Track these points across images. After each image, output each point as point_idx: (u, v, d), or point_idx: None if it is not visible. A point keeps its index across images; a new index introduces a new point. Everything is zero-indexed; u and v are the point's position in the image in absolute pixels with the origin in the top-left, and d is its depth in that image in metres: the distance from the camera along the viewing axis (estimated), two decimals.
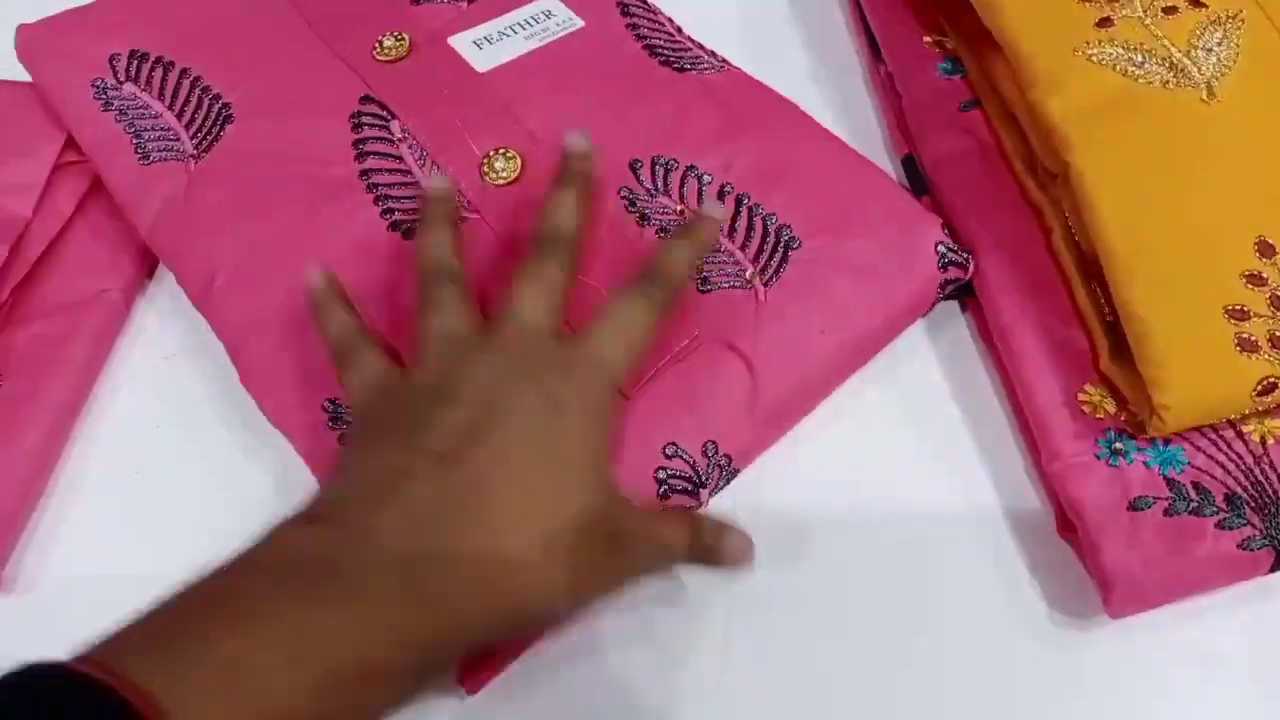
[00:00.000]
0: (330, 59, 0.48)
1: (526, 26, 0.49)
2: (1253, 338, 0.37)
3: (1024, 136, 0.44)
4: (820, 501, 0.42)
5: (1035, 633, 0.40)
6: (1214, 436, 0.40)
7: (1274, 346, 0.37)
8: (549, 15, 0.50)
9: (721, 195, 0.44)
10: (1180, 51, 0.42)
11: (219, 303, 0.43)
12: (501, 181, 0.44)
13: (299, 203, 0.44)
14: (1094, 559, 0.38)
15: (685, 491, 0.39)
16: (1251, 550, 0.37)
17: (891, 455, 0.43)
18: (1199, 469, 0.39)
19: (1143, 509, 0.38)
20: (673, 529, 0.34)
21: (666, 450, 0.39)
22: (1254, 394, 0.37)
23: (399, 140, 0.45)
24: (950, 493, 0.42)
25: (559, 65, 0.48)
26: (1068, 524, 0.40)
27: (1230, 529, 0.38)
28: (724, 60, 0.49)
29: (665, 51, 0.49)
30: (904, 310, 0.43)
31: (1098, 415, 0.40)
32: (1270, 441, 0.39)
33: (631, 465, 0.38)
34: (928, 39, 0.50)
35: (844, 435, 0.43)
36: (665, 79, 0.47)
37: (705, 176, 0.44)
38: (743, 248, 0.42)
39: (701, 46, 0.50)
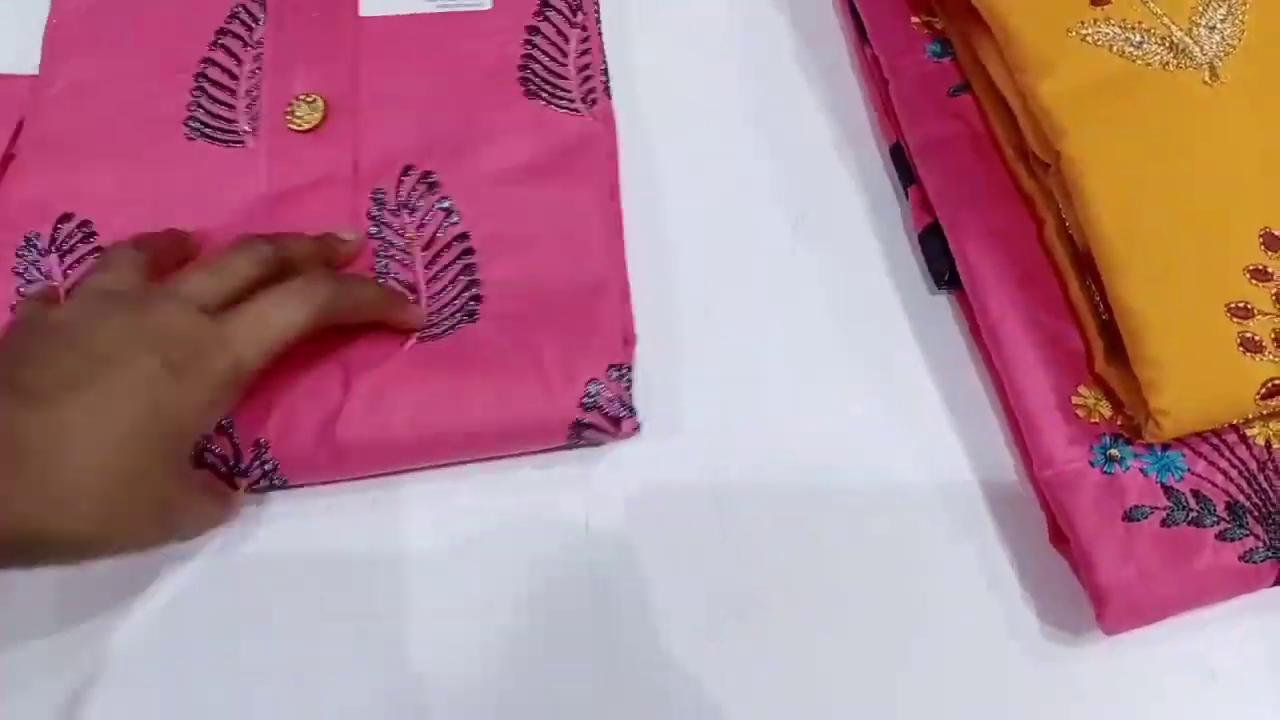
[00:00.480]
0: None
1: None
2: (1256, 337, 0.35)
3: (1015, 122, 0.42)
4: (804, 505, 0.40)
5: (1028, 648, 0.38)
6: (1215, 441, 0.37)
7: None
8: None
9: (450, 243, 0.43)
10: (1181, 30, 0.40)
11: None
12: (296, 127, 0.44)
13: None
14: (1087, 573, 0.36)
15: (220, 472, 0.38)
16: (1254, 563, 0.35)
17: (876, 459, 0.41)
18: (1199, 476, 0.37)
19: (1139, 519, 0.36)
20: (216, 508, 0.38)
21: (223, 423, 0.38)
22: (1258, 397, 0.35)
23: (253, 45, 0.46)
24: (939, 500, 0.40)
25: (430, 39, 0.47)
26: (1061, 534, 0.38)
27: (1232, 540, 0.35)
28: (594, 105, 0.46)
29: (537, 71, 0.47)
30: (529, 429, 0.39)
31: (1092, 419, 0.38)
32: (1276, 445, 0.37)
33: None
34: (916, 19, 0.47)
35: (828, 435, 0.41)
36: (509, 98, 0.46)
37: (454, 216, 0.43)
38: (432, 296, 0.42)
39: (590, 80, 0.47)
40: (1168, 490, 0.36)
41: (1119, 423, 0.38)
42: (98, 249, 0.43)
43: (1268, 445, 0.37)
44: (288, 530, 0.40)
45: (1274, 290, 0.36)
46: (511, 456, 0.40)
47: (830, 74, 0.50)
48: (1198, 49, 0.39)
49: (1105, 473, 0.37)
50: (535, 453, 0.40)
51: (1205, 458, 0.37)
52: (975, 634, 0.38)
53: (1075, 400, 0.38)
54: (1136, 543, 0.36)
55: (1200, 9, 0.40)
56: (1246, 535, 0.35)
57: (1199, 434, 0.37)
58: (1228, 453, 0.37)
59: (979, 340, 0.42)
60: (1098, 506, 0.36)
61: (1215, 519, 0.36)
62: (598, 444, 0.41)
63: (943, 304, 0.44)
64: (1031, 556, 0.39)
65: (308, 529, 0.39)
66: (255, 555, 0.39)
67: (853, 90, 0.50)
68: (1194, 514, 0.36)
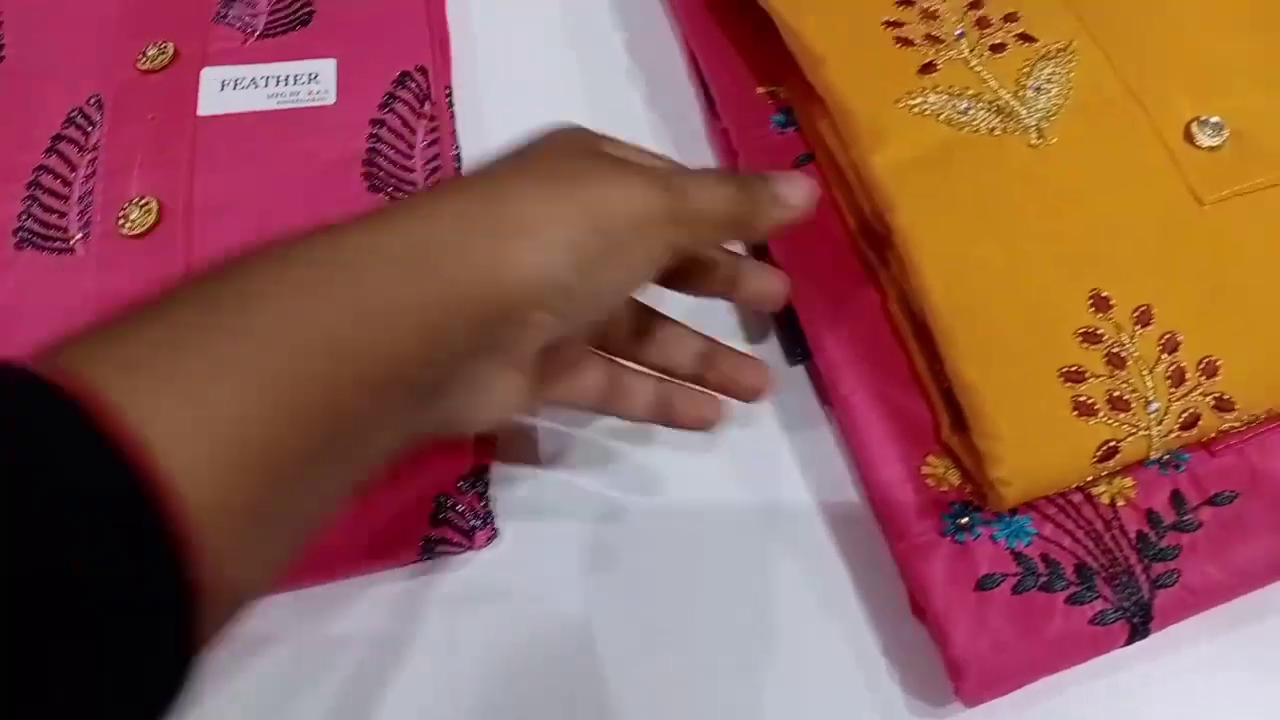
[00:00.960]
0: (105, 46, 0.48)
1: (278, 84, 0.47)
2: (1090, 400, 0.35)
3: (855, 195, 0.42)
4: (655, 581, 0.40)
5: None
6: (1062, 502, 0.37)
7: (1114, 408, 0.35)
8: (312, 79, 0.48)
9: None
10: (1009, 93, 0.40)
11: None
12: (127, 232, 0.43)
13: None
14: (942, 645, 0.36)
15: None
16: (1105, 625, 0.35)
17: (733, 533, 0.41)
18: (1047, 539, 0.37)
19: (989, 588, 0.36)
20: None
21: None
22: (1094, 460, 0.35)
23: (89, 149, 0.46)
24: (800, 571, 0.40)
25: (270, 136, 0.46)
26: (919, 605, 0.37)
27: (1081, 604, 0.36)
28: None
29: (381, 165, 0.46)
30: (379, 549, 0.39)
31: (942, 488, 0.38)
32: (1121, 504, 0.37)
33: None
34: (761, 89, 0.48)
35: (679, 507, 0.41)
36: (352, 193, 0.45)
37: None
38: None
39: (440, 170, 0.46)
40: (1017, 556, 0.37)
41: (968, 490, 0.38)
42: None
43: (1113, 504, 0.37)
44: None
45: (1105, 351, 0.36)
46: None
47: (687, 148, 0.50)
48: (1024, 111, 0.40)
49: (957, 541, 0.37)
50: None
51: (1052, 520, 0.37)
52: (842, 709, 0.38)
53: (924, 470, 0.38)
54: (989, 612, 0.36)
55: (1027, 70, 0.41)
56: (1096, 598, 0.36)
57: (1046, 496, 0.37)
58: (1074, 513, 0.37)
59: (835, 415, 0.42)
60: (950, 577, 0.36)
61: (1065, 582, 0.36)
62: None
63: (799, 373, 0.44)
64: (894, 629, 0.39)
65: None
66: None
67: (709, 163, 0.50)
68: (1044, 579, 0.36)
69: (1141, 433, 0.35)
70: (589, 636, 0.39)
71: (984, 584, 0.36)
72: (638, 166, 0.31)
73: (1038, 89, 0.41)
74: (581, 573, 0.40)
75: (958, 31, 0.42)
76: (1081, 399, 0.35)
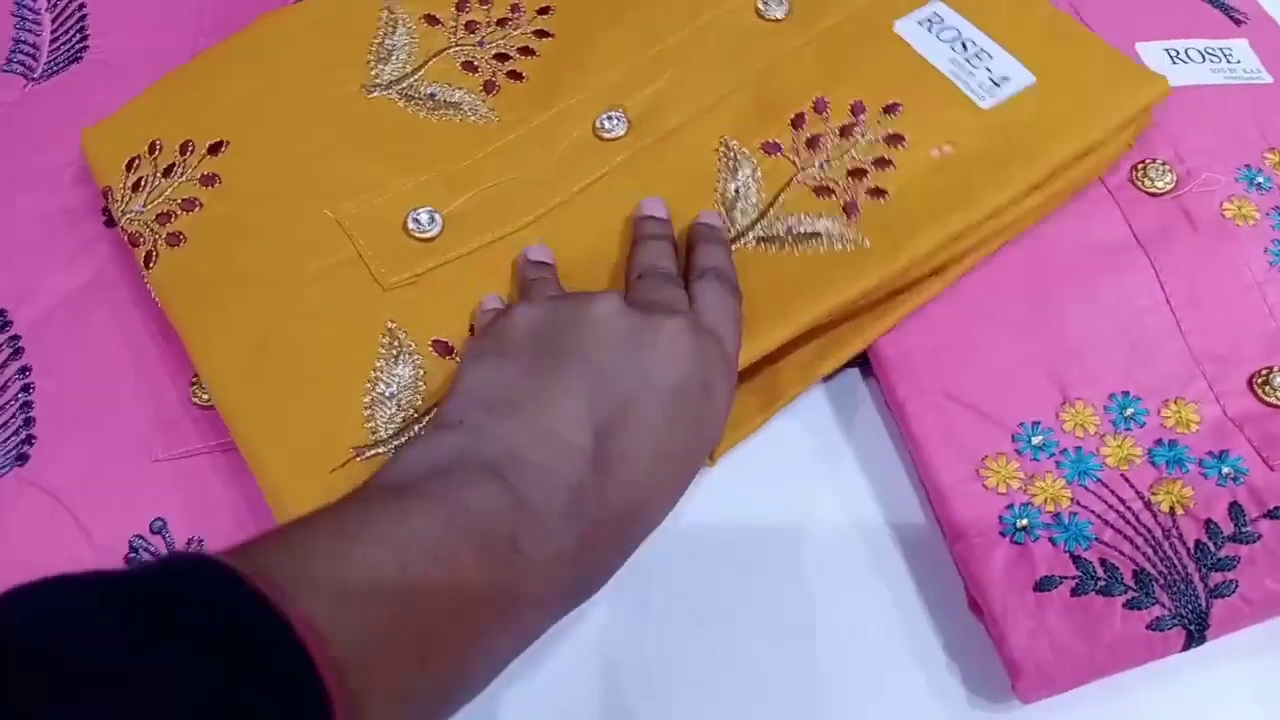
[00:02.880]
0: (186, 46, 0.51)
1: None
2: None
3: None
4: (715, 573, 0.40)
5: (952, 713, 0.38)
6: (1122, 509, 0.38)
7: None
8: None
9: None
10: None
11: None
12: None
13: None
14: (1000, 644, 0.36)
15: None
16: (1162, 631, 0.36)
17: (796, 531, 0.41)
18: (1106, 544, 0.37)
19: (1049, 589, 0.36)
20: None
21: None
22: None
23: None
24: (866, 565, 0.40)
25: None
26: (976, 602, 0.38)
27: (1139, 609, 0.36)
28: None
29: None
30: None
31: (1000, 490, 0.38)
32: (1180, 513, 0.38)
33: None
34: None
35: (740, 501, 0.42)
36: None
37: None
38: None
39: None
40: (1076, 560, 0.37)
41: (1027, 492, 0.38)
42: (14, 337, 0.43)
43: (1171, 512, 0.38)
44: None
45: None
46: None
47: None
48: None
49: (1015, 542, 0.37)
50: None
51: (1112, 526, 0.38)
52: (902, 703, 0.38)
53: (983, 472, 0.39)
54: (1047, 613, 0.36)
55: None
56: (1153, 604, 0.36)
57: (1106, 502, 0.38)
58: (1133, 520, 0.38)
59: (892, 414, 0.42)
60: (1008, 577, 0.37)
61: (1123, 587, 0.36)
62: None
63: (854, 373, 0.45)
64: (956, 625, 0.39)
65: None
66: None
67: None
68: (1102, 583, 0.36)
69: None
70: (643, 629, 0.39)
71: (1042, 585, 0.37)
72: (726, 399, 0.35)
73: None
74: (645, 560, 0.40)
75: None
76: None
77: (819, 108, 0.43)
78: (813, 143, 0.42)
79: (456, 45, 0.47)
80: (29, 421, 0.41)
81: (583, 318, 0.34)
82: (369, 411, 0.38)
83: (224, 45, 0.47)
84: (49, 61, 0.51)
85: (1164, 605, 0.36)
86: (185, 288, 0.41)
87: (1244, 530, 0.37)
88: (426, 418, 0.38)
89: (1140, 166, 0.45)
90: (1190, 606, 0.36)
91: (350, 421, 0.38)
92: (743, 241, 0.41)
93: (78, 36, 0.51)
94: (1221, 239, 0.43)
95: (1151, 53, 0.48)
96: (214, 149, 0.43)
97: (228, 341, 0.40)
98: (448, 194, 0.43)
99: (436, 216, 0.42)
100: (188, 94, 0.46)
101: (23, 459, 0.40)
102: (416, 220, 0.42)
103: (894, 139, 0.42)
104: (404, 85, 0.46)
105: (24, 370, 0.43)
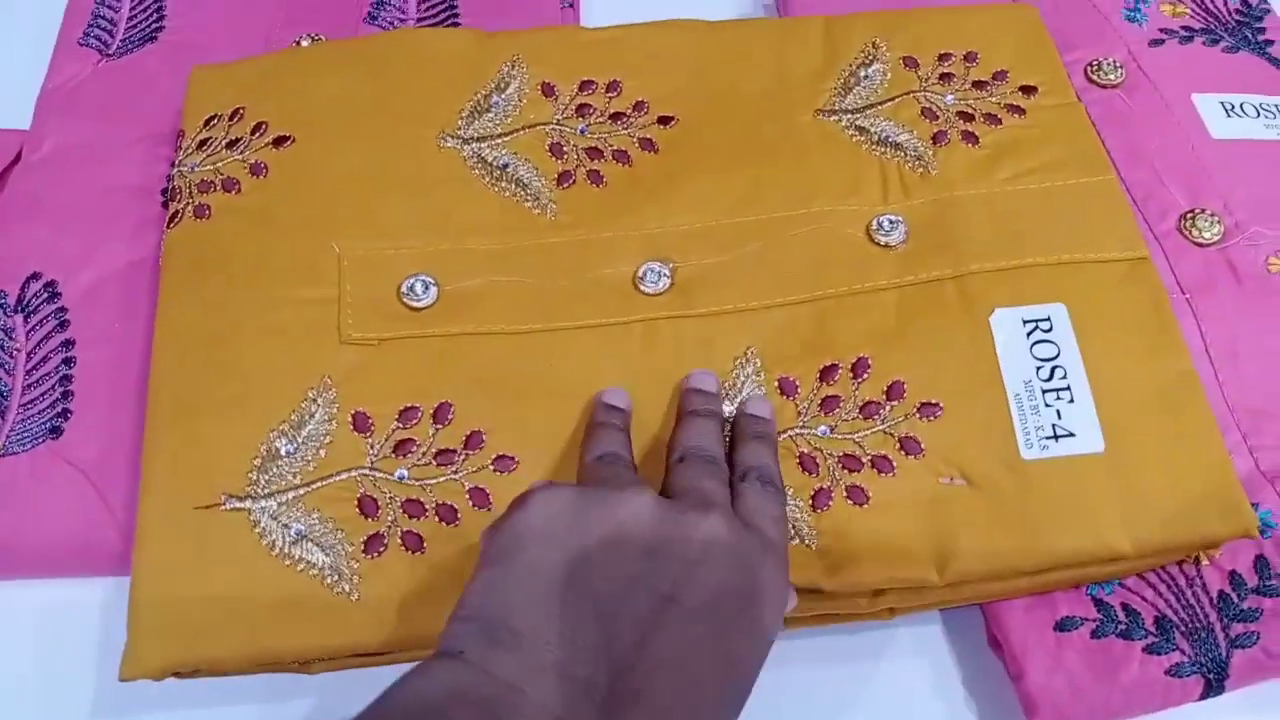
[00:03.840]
0: (260, 31, 0.52)
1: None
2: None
3: None
4: None
5: None
6: None
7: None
8: None
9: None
10: None
11: None
12: None
13: None
14: (1017, 680, 0.36)
15: None
16: (1181, 678, 0.36)
17: None
18: (1129, 589, 0.38)
19: (1069, 630, 0.37)
20: None
21: None
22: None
23: None
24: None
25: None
26: (997, 640, 0.38)
27: (1159, 654, 0.36)
28: None
29: None
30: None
31: None
32: (1204, 562, 0.38)
33: None
34: None
35: None
36: None
37: None
38: None
39: None
40: (1098, 603, 0.37)
41: None
42: (61, 309, 0.44)
43: (1196, 561, 0.38)
44: None
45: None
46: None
47: None
48: None
49: None
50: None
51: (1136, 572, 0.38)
52: None
53: None
54: (1066, 653, 0.36)
55: None
56: (1173, 650, 0.36)
57: None
58: (1159, 567, 0.38)
59: None
60: (1029, 615, 0.37)
61: (1144, 632, 0.37)
62: None
63: None
64: (974, 657, 0.40)
65: None
66: None
67: None
68: (1123, 626, 0.37)
69: None
70: None
71: (1063, 626, 0.37)
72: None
73: None
74: None
75: None
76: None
77: (857, 369, 0.39)
78: (829, 404, 0.38)
79: (556, 124, 0.45)
80: (66, 395, 0.42)
81: (608, 521, 0.31)
82: (258, 463, 0.37)
83: (351, 43, 0.48)
84: (124, 39, 0.52)
85: (1184, 652, 0.36)
86: (186, 260, 0.41)
87: (1268, 583, 0.37)
88: (305, 489, 0.36)
89: (1189, 216, 0.45)
90: (1210, 655, 0.36)
91: (237, 464, 0.37)
92: None
93: (155, 17, 0.53)
94: (1265, 293, 0.43)
95: (1208, 105, 0.48)
96: (279, 141, 0.44)
97: (189, 327, 0.40)
98: (459, 270, 0.41)
99: (433, 290, 0.40)
100: (291, 75, 0.46)
101: (56, 432, 0.41)
102: (412, 288, 0.40)
103: (910, 443, 0.37)
104: (482, 145, 0.44)
105: (67, 344, 0.43)
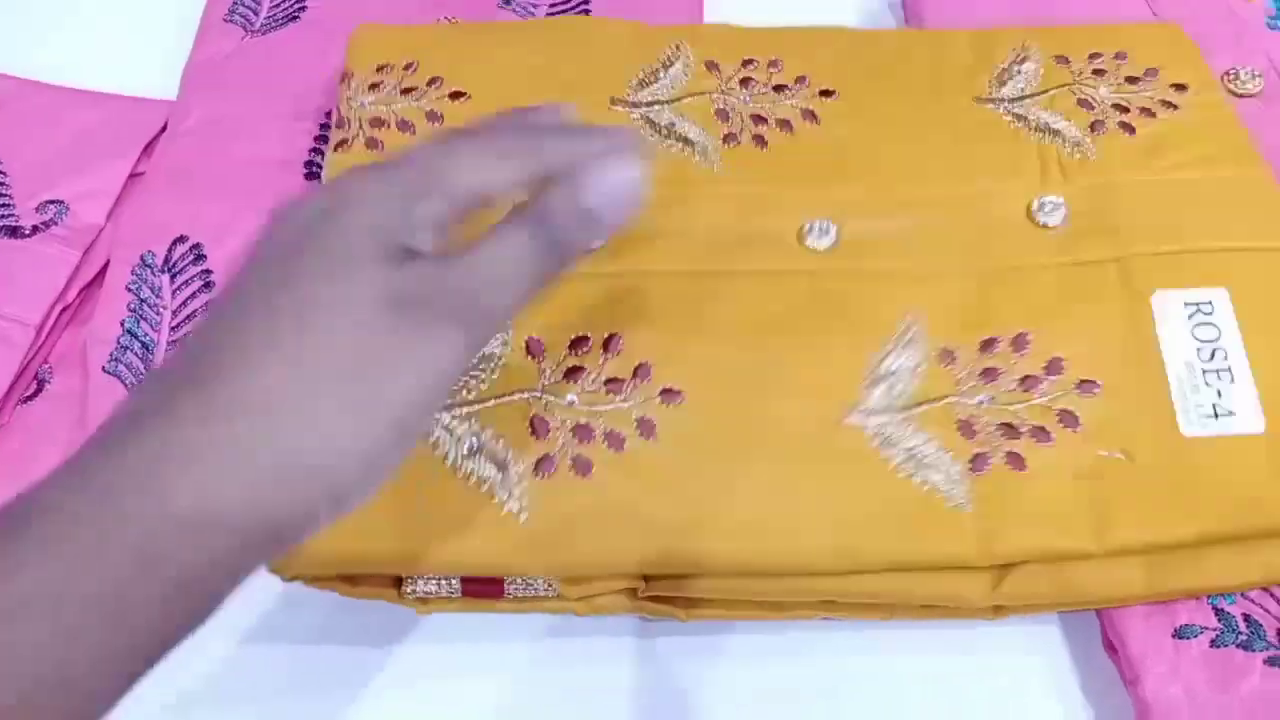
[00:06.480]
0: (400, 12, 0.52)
1: None
2: None
3: None
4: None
5: None
6: None
7: None
8: None
9: None
10: None
11: None
12: None
13: None
14: (1133, 686, 0.36)
15: None
16: None
17: None
18: (1251, 600, 0.37)
19: (1188, 638, 0.37)
20: None
21: None
22: None
23: None
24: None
25: None
26: (1112, 643, 0.38)
27: None
28: None
29: None
30: None
31: None
32: None
33: None
34: None
35: None
36: None
37: None
38: None
39: None
40: (1218, 612, 0.37)
41: None
42: (206, 271, 0.46)
43: None
44: None
45: None
46: None
47: None
48: None
49: None
50: None
51: None
52: None
53: None
54: (1184, 661, 0.36)
55: None
56: None
57: None
58: None
59: None
60: (1148, 622, 0.37)
61: (1265, 644, 0.36)
62: None
63: None
64: (1091, 660, 0.39)
65: None
66: None
67: None
68: (1244, 637, 0.37)
69: None
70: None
71: (1182, 633, 0.37)
72: (445, 312, 0.25)
73: None
74: None
75: None
76: None
77: (1017, 344, 0.39)
78: (988, 375, 0.38)
79: (720, 92, 0.46)
80: None
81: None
82: None
83: (529, 22, 0.50)
84: (268, 17, 0.54)
85: None
86: None
87: None
88: (480, 405, 0.37)
89: None
90: None
91: None
92: (864, 424, 0.37)
93: None
94: None
95: None
96: (455, 95, 0.45)
97: None
98: None
99: None
100: (465, 42, 0.48)
101: None
102: None
103: (1068, 416, 0.37)
104: (649, 109, 0.45)
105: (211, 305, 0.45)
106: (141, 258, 0.46)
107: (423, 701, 0.39)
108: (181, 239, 0.47)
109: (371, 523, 0.34)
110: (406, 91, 0.46)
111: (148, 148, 0.50)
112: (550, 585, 0.37)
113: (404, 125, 0.45)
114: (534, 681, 0.39)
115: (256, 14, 0.54)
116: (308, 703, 0.39)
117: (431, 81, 0.46)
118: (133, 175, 0.49)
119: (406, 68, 0.46)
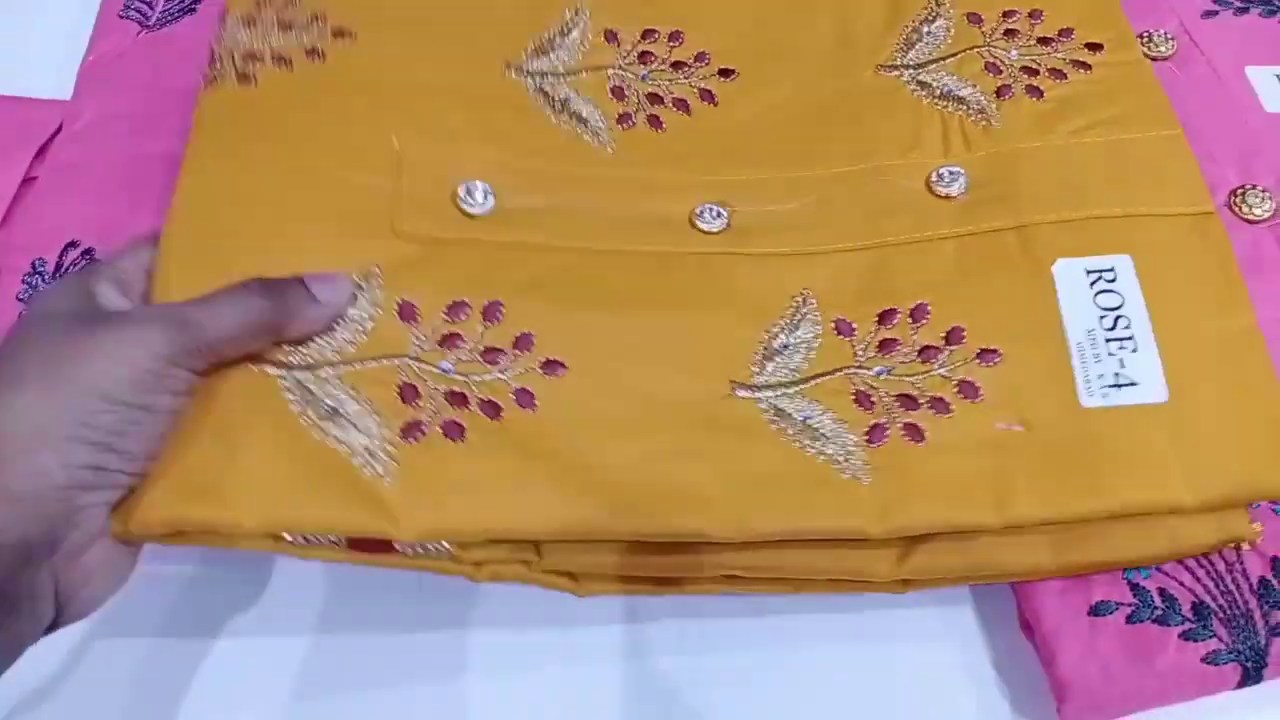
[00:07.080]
0: None
1: None
2: None
3: None
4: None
5: None
6: None
7: None
8: None
9: None
10: None
11: None
12: None
13: None
14: (1049, 666, 0.36)
15: None
16: (1217, 665, 0.35)
17: None
18: (1166, 574, 0.37)
19: (1104, 615, 0.36)
20: None
21: None
22: None
23: None
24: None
25: None
26: (1029, 622, 0.38)
27: (1195, 641, 0.35)
28: None
29: None
30: None
31: None
32: (1246, 548, 0.37)
33: None
34: None
35: None
36: None
37: None
38: None
39: None
40: (1134, 587, 0.37)
41: None
42: None
43: (1238, 547, 0.37)
44: None
45: None
46: None
47: None
48: None
49: None
50: None
51: None
52: (946, 715, 0.38)
53: None
54: (1100, 638, 0.36)
55: None
56: (1210, 637, 0.35)
57: None
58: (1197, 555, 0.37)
59: None
60: (1063, 599, 0.37)
61: (1180, 618, 0.36)
62: None
63: None
64: (1006, 639, 0.39)
65: None
66: None
67: None
68: (1159, 612, 0.36)
69: None
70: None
71: (1097, 610, 0.36)
72: (137, 313, 0.32)
73: None
74: None
75: None
76: None
77: (916, 315, 0.38)
78: (886, 346, 0.37)
79: (617, 68, 0.44)
80: None
81: None
82: None
83: None
84: (163, 11, 0.52)
85: (1221, 639, 0.35)
86: (223, 121, 0.40)
87: None
88: (343, 366, 0.36)
89: (1239, 192, 0.44)
90: (1249, 643, 0.35)
91: None
92: (756, 397, 0.36)
93: None
94: None
95: (1262, 78, 0.47)
96: (339, 34, 0.43)
97: (220, 189, 0.38)
98: (517, 185, 0.40)
99: (491, 200, 0.40)
100: None
101: None
102: (470, 192, 0.39)
103: (968, 387, 0.36)
104: (546, 80, 0.43)
105: None
106: (33, 265, 0.45)
107: (422, 699, 0.39)
108: (73, 244, 0.45)
109: (220, 482, 0.33)
110: (286, 27, 0.43)
111: (41, 150, 0.49)
112: (440, 546, 0.36)
113: (280, 60, 0.41)
114: (525, 669, 0.40)
115: (152, 8, 0.52)
116: (305, 701, 0.39)
117: (315, 17, 0.43)
118: (26, 180, 0.48)
119: (287, 4, 0.43)
